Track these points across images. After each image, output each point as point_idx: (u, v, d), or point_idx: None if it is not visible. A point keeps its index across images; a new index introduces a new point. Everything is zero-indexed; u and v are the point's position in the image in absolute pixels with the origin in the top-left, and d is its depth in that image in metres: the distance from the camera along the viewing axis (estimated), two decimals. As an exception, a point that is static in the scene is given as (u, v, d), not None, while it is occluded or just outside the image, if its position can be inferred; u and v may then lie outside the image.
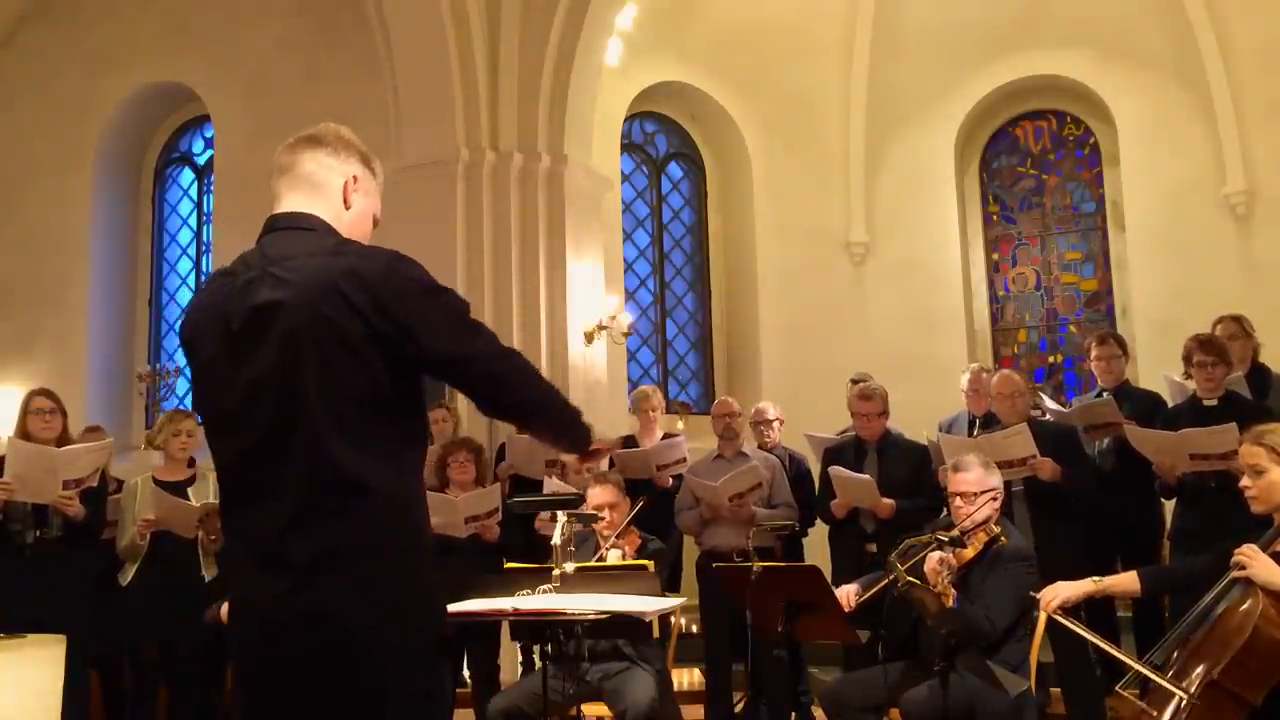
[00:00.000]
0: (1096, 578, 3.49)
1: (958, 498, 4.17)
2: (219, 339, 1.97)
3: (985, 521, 4.11)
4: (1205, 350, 5.01)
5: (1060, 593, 3.42)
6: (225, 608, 4.72)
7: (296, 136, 2.13)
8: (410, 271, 1.97)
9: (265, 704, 1.93)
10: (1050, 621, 4.27)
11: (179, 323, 2.16)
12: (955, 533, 3.98)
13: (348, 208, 2.11)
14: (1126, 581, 3.48)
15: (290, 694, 1.89)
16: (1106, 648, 3.38)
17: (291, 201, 2.08)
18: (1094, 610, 4.90)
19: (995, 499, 4.19)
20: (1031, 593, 3.54)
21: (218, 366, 1.98)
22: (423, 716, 1.93)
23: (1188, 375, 5.23)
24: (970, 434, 6.02)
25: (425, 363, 1.97)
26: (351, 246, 2.01)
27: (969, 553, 4.02)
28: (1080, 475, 5.08)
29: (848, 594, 4.17)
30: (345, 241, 2.03)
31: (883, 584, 4.03)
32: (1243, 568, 3.05)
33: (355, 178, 2.12)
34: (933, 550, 3.88)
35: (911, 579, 3.77)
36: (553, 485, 5.91)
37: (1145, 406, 5.53)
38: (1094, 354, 5.81)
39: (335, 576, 1.85)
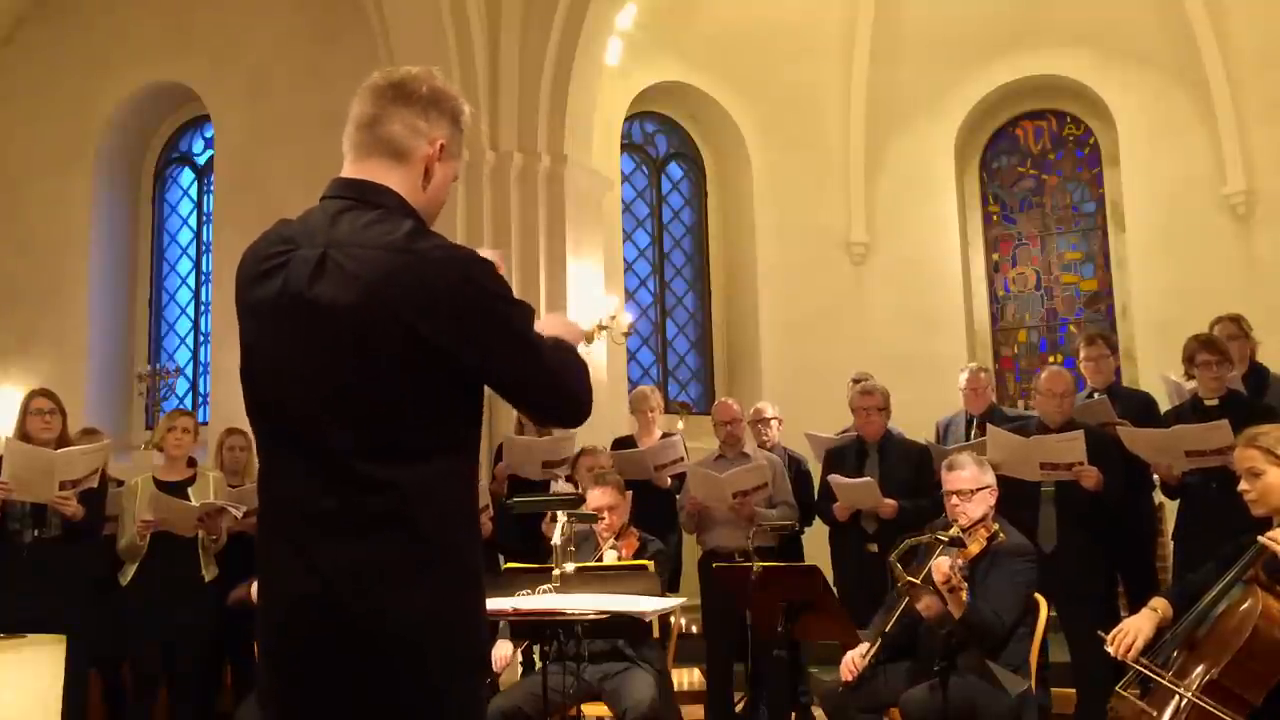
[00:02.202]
0: (1152, 608, 3.36)
1: (954, 496, 4.16)
2: (269, 318, 1.84)
3: (983, 519, 4.11)
4: (1209, 350, 5.00)
5: (1138, 634, 3.23)
6: (255, 588, 4.75)
7: (386, 80, 1.93)
8: (484, 283, 1.82)
9: (299, 705, 1.82)
10: (1065, 623, 4.26)
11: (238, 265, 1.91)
12: (954, 532, 3.97)
13: (428, 179, 1.93)
14: (1167, 609, 3.36)
15: (328, 698, 1.79)
16: (1138, 665, 3.20)
17: (368, 166, 1.90)
18: (1101, 613, 4.87)
19: (991, 495, 4.20)
20: (1100, 633, 3.36)
21: (266, 349, 1.86)
22: None
23: (1189, 376, 5.22)
24: (968, 435, 6.02)
25: (488, 380, 1.86)
26: (423, 245, 1.80)
27: (973, 549, 4.02)
28: (1115, 485, 4.98)
29: (853, 659, 4.09)
30: (418, 234, 1.83)
31: (895, 615, 4.01)
32: (1262, 549, 3.06)
33: (442, 145, 1.92)
34: (939, 556, 3.86)
35: (911, 579, 3.77)
36: (558, 485, 5.91)
37: (1136, 407, 5.52)
38: (1082, 355, 5.81)
39: (374, 587, 1.75)
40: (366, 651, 1.76)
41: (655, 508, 5.81)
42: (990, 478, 4.21)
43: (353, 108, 1.94)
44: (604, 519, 4.72)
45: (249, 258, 1.92)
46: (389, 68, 1.98)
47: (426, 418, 1.81)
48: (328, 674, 1.78)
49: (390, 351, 1.77)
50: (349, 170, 1.93)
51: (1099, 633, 3.40)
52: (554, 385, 1.91)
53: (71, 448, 5.13)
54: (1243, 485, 3.27)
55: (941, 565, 3.76)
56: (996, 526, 4.09)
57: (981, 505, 4.13)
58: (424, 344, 1.77)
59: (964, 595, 3.74)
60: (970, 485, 4.13)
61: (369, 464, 1.78)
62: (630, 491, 5.01)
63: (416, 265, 1.78)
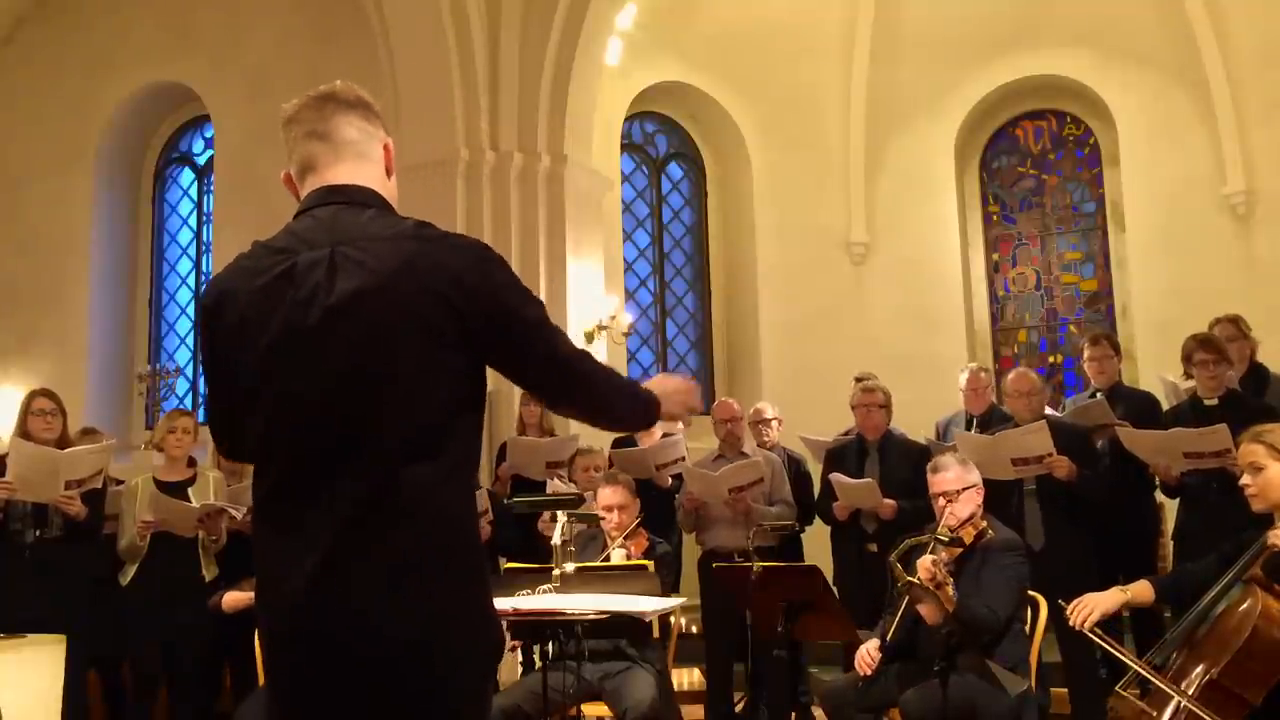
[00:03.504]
0: (1122, 587, 3.44)
1: (940, 497, 4.19)
2: (273, 332, 1.80)
3: (970, 517, 4.15)
4: (1206, 349, 5.02)
5: (1095, 607, 3.32)
6: (225, 597, 4.77)
7: (315, 96, 1.98)
8: (499, 266, 1.87)
9: (306, 706, 1.82)
10: (1055, 622, 4.29)
11: (206, 293, 1.88)
12: (945, 531, 4.00)
13: (389, 177, 1.99)
14: (1143, 591, 3.44)
15: (346, 710, 1.78)
16: (1136, 665, 3.27)
17: (340, 172, 1.93)
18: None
19: (978, 494, 4.23)
20: (1060, 601, 3.48)
21: (278, 361, 1.80)
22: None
23: (1188, 375, 5.23)
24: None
25: (503, 365, 1.89)
26: (433, 233, 1.85)
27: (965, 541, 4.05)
28: (1092, 476, 5.06)
29: (868, 650, 4.11)
30: (423, 224, 1.86)
31: (898, 617, 4.02)
32: (1262, 548, 3.08)
33: (389, 144, 2.01)
34: (927, 554, 3.89)
35: (912, 579, 3.78)
36: (554, 485, 5.91)
37: (1139, 407, 5.54)
38: (1086, 354, 5.83)
39: (390, 591, 1.74)
40: (378, 650, 1.74)
41: (655, 508, 5.80)
42: (975, 476, 4.26)
43: (292, 130, 1.97)
44: (605, 518, 4.72)
45: (232, 282, 1.88)
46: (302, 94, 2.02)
47: (445, 409, 1.81)
48: (336, 675, 1.77)
49: (416, 336, 1.78)
50: (320, 180, 1.94)
51: (1059, 602, 3.49)
52: (574, 374, 1.94)
53: (77, 448, 5.13)
54: (1244, 480, 3.28)
55: (925, 563, 3.80)
56: (985, 523, 4.13)
57: (969, 504, 4.17)
58: (449, 323, 1.78)
59: (950, 590, 3.76)
60: (955, 485, 4.17)
61: (388, 461, 1.77)
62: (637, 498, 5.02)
63: (432, 250, 1.82)
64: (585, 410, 2.05)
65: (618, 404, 2.04)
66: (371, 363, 1.77)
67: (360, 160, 1.95)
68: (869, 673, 4.05)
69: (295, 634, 1.79)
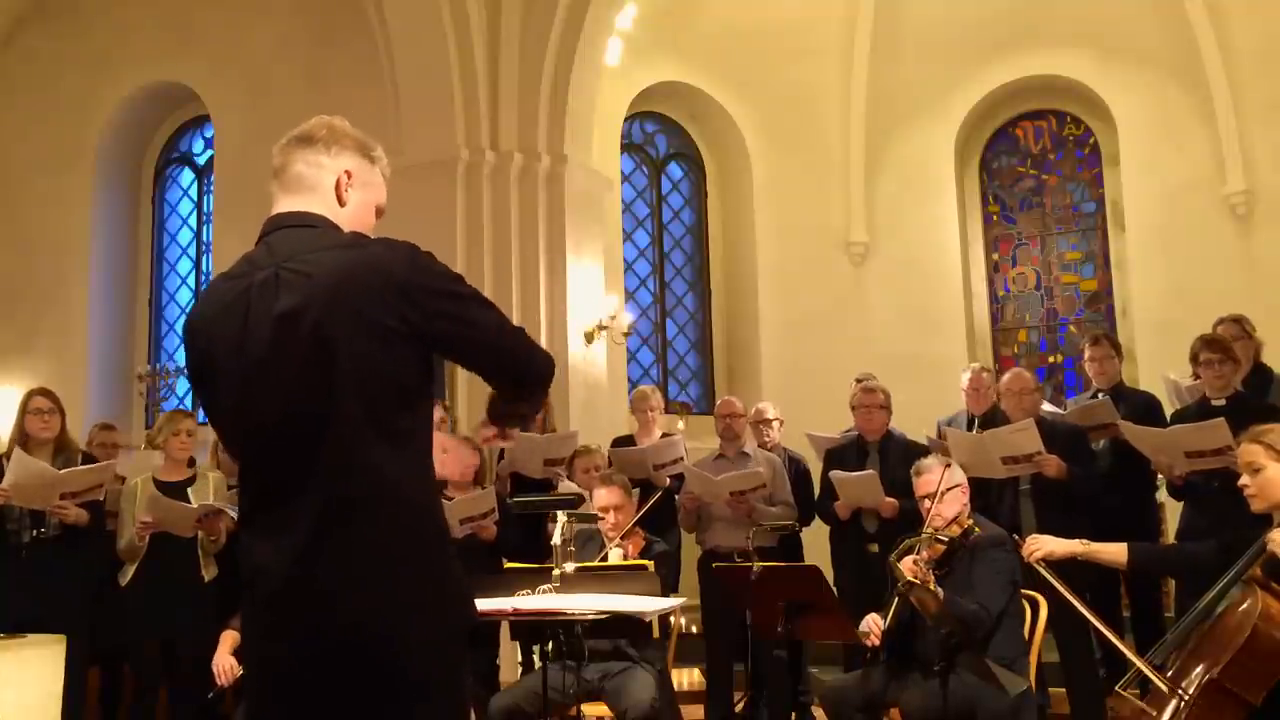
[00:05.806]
0: (1085, 540, 3.53)
1: (926, 500, 4.21)
2: (239, 350, 1.93)
3: (957, 516, 4.18)
4: (1212, 348, 5.02)
5: (1045, 545, 3.48)
6: (224, 662, 4.64)
7: (290, 135, 2.11)
8: (431, 263, 1.98)
9: (292, 706, 1.89)
10: (1052, 620, 4.31)
11: (183, 329, 2.08)
12: (931, 530, 4.02)
13: (342, 205, 2.08)
14: (1114, 552, 3.51)
15: (320, 696, 1.86)
16: (1089, 616, 3.39)
17: (288, 203, 2.06)
18: (1097, 606, 4.89)
19: (963, 494, 4.26)
20: (1015, 535, 3.62)
21: (245, 380, 1.93)
22: (449, 707, 1.92)
23: (1196, 376, 5.23)
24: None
25: (453, 350, 2.01)
26: (366, 241, 1.97)
27: (943, 546, 4.07)
28: (1088, 475, 5.08)
29: (875, 620, 4.13)
30: (357, 234, 2.01)
31: (890, 615, 4.04)
32: (1262, 548, 3.08)
33: (348, 173, 2.08)
34: (910, 554, 3.92)
35: (912, 579, 3.78)
36: (564, 485, 5.91)
37: (1141, 407, 5.54)
38: (1088, 355, 5.83)
39: (366, 575, 1.84)
40: (347, 638, 1.84)
41: (654, 507, 5.81)
42: (958, 476, 4.29)
43: (271, 167, 2.11)
44: (605, 519, 4.72)
45: (198, 314, 2.04)
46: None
47: (397, 401, 1.91)
48: (309, 664, 1.85)
49: (370, 336, 1.88)
50: (274, 211, 2.09)
51: (1014, 536, 3.68)
52: (510, 348, 2.03)
53: (76, 469, 5.10)
54: (1243, 480, 3.28)
55: (907, 563, 3.84)
56: (970, 522, 4.15)
57: (954, 504, 4.20)
58: (388, 316, 1.88)
59: (932, 585, 3.77)
60: (938, 486, 4.17)
61: (348, 457, 1.87)
62: (636, 490, 5.01)
63: (366, 255, 1.93)
64: (527, 391, 2.14)
65: (546, 370, 2.12)
66: (320, 364, 1.87)
67: (308, 192, 2.06)
68: (876, 643, 4.07)
69: (274, 626, 1.89)
